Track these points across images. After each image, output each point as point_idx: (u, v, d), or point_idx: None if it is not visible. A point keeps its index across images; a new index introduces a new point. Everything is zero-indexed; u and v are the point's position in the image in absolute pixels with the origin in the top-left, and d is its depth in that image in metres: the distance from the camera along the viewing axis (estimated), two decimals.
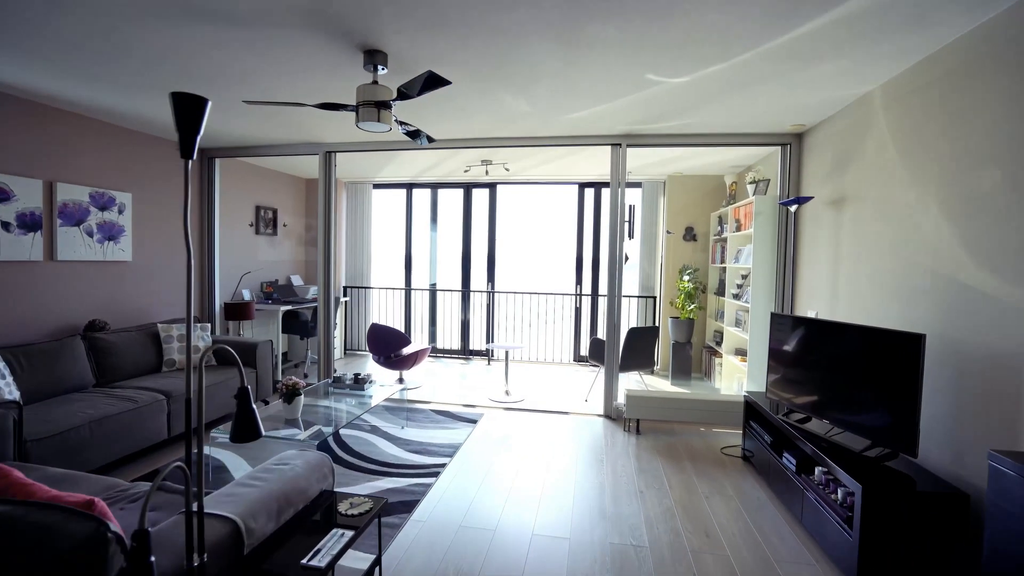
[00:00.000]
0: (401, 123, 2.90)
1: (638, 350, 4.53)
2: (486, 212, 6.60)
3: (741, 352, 4.75)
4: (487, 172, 5.43)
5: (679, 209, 5.88)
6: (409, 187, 6.81)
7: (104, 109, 3.66)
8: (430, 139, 3.18)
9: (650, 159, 5.06)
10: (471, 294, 6.73)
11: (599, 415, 4.34)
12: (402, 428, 3.92)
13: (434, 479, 3.05)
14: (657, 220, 6.10)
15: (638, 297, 6.14)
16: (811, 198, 3.37)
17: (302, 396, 3.06)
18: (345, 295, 6.88)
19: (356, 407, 3.51)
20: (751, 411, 3.43)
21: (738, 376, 4.71)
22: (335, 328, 5.95)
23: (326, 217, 4.70)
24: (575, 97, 3.20)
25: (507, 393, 4.85)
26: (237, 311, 4.73)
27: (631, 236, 5.95)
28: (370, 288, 6.89)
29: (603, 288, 6.39)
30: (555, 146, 4.27)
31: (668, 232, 5.85)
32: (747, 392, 3.49)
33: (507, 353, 4.96)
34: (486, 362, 6.43)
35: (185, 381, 3.77)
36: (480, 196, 6.62)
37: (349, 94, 3.18)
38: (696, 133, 4.04)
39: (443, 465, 3.24)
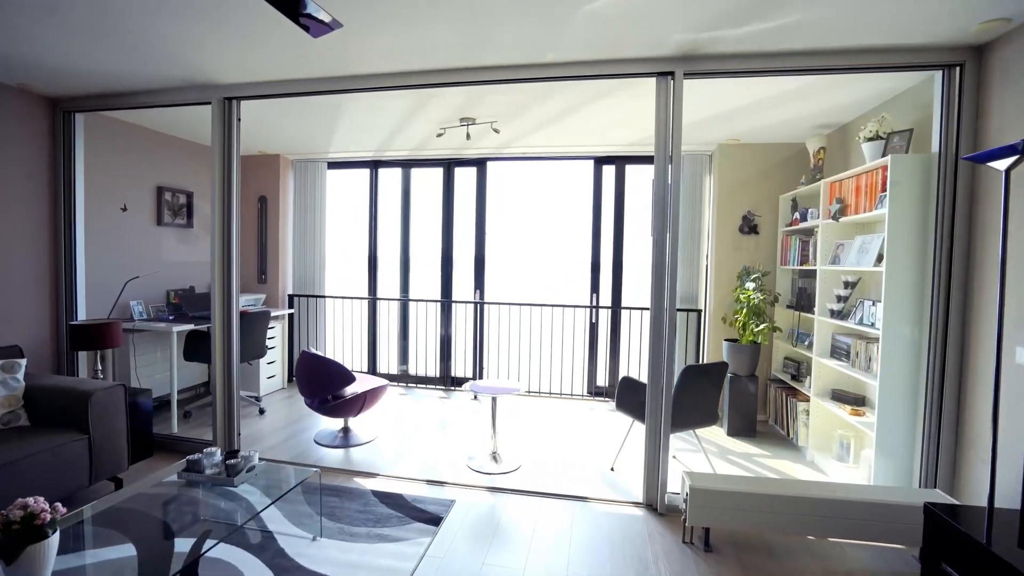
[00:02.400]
0: None
1: (697, 399, 2.94)
2: (473, 198, 5.02)
3: (844, 398, 3.14)
4: (468, 136, 3.87)
5: (732, 190, 4.28)
6: (374, 165, 5.24)
7: None
8: (323, 25, 1.62)
9: (697, 115, 3.46)
10: (453, 305, 5.15)
11: (637, 503, 2.75)
12: (313, 539, 2.34)
13: None
14: (702, 208, 4.51)
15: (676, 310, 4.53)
16: None
17: (56, 536, 1.49)
18: (291, 306, 5.31)
19: (221, 522, 1.96)
20: (942, 537, 1.84)
21: (842, 435, 3.11)
22: (265, 351, 4.39)
23: (223, 192, 3.14)
24: None
25: (495, 458, 3.26)
26: (90, 337, 3.15)
27: None
28: (324, 297, 5.32)
29: (629, 299, 4.79)
30: (567, 78, 2.69)
31: (750, 216, 4.21)
32: (931, 503, 1.89)
33: (494, 400, 3.36)
34: (472, 396, 4.85)
35: None
36: (465, 176, 5.05)
37: None
38: (797, 51, 2.46)
39: None
